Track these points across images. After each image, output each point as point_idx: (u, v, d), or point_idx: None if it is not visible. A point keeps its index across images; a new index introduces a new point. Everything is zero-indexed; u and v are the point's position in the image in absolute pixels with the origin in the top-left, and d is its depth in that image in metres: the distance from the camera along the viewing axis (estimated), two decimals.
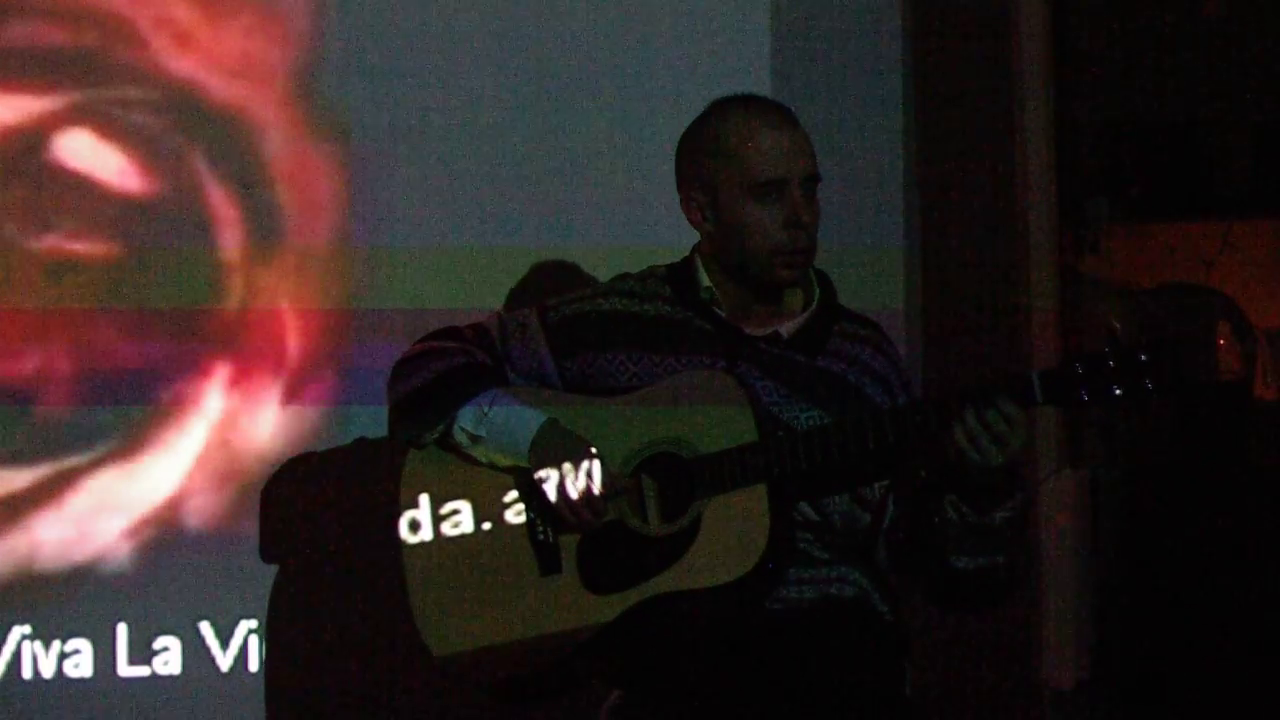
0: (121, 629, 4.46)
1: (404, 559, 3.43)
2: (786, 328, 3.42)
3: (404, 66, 4.54)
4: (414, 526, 3.44)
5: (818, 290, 3.46)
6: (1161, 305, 4.50)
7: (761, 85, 4.50)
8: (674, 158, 3.47)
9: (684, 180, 3.43)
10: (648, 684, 3.28)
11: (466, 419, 3.38)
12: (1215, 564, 4.18)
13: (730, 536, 3.26)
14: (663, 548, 3.29)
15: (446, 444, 3.42)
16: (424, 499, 3.44)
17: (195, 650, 4.48)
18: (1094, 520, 4.31)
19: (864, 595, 3.37)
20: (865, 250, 4.56)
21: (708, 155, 3.39)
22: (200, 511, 4.50)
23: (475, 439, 3.38)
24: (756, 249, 3.36)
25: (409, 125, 4.54)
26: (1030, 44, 4.67)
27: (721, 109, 3.43)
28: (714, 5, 4.62)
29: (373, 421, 4.37)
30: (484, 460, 3.39)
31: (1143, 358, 3.18)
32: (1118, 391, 3.19)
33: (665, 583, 3.26)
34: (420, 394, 3.42)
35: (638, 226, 4.48)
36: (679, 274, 3.47)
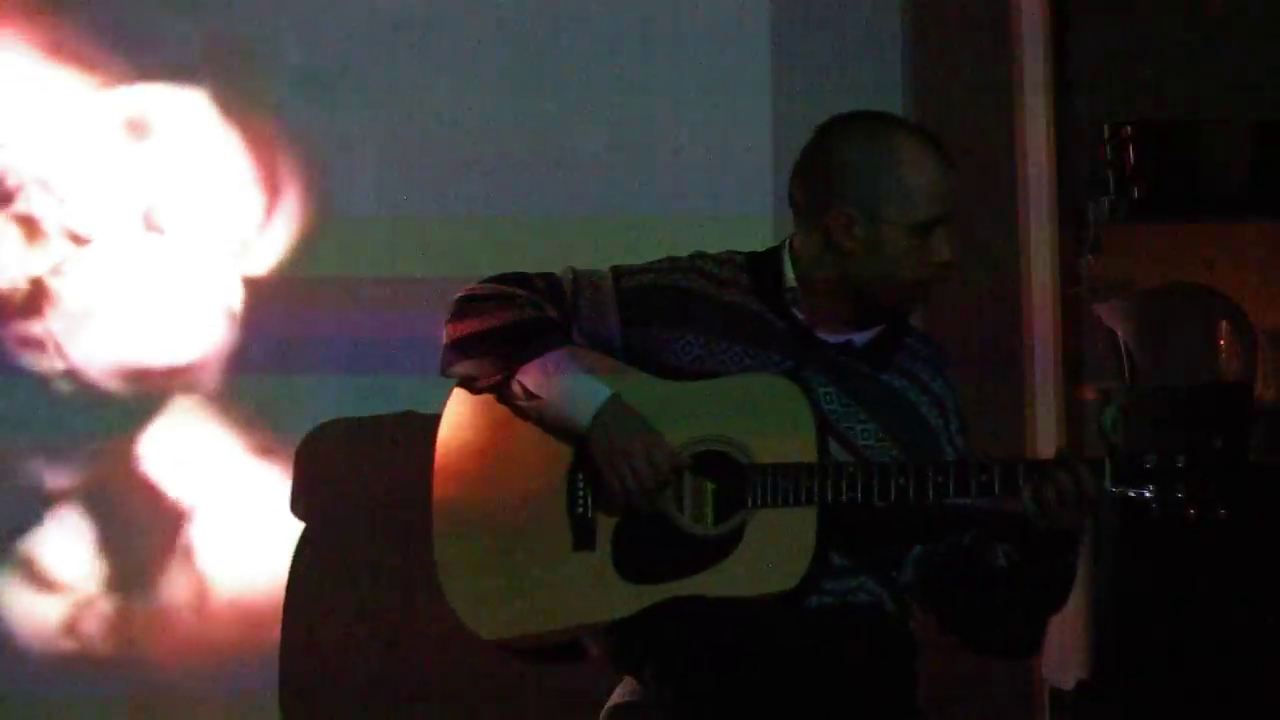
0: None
1: (435, 518, 3.37)
2: (861, 337, 3.40)
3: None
4: (448, 485, 3.40)
5: None
6: (1161, 305, 4.49)
7: (761, 85, 4.51)
8: (821, 158, 3.37)
9: (835, 191, 3.34)
10: (662, 679, 3.26)
11: (529, 376, 3.33)
12: (1215, 564, 4.18)
13: (773, 552, 3.24)
14: (702, 548, 3.26)
15: (500, 393, 3.38)
16: (461, 459, 3.39)
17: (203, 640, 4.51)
18: (1094, 520, 4.30)
19: (878, 602, 3.37)
20: None
21: (876, 176, 3.32)
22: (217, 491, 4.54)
23: (534, 397, 3.33)
24: (902, 281, 3.33)
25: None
26: (1030, 44, 4.67)
27: (892, 132, 3.37)
28: (714, 5, 4.62)
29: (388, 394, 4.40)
30: (534, 418, 3.35)
31: (1212, 463, 3.18)
32: (1180, 495, 3.20)
33: (699, 585, 3.24)
34: (484, 339, 3.35)
35: (636, 225, 4.49)
36: (760, 265, 3.42)
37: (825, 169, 3.37)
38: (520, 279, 3.42)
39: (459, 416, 3.40)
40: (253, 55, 4.58)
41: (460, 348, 3.37)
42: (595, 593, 3.27)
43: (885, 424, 3.34)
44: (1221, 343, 4.35)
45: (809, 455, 3.25)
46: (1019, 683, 4.62)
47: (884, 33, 4.67)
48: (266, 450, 4.52)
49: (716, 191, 4.42)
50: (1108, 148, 4.56)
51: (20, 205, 4.53)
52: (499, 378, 3.35)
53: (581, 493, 3.31)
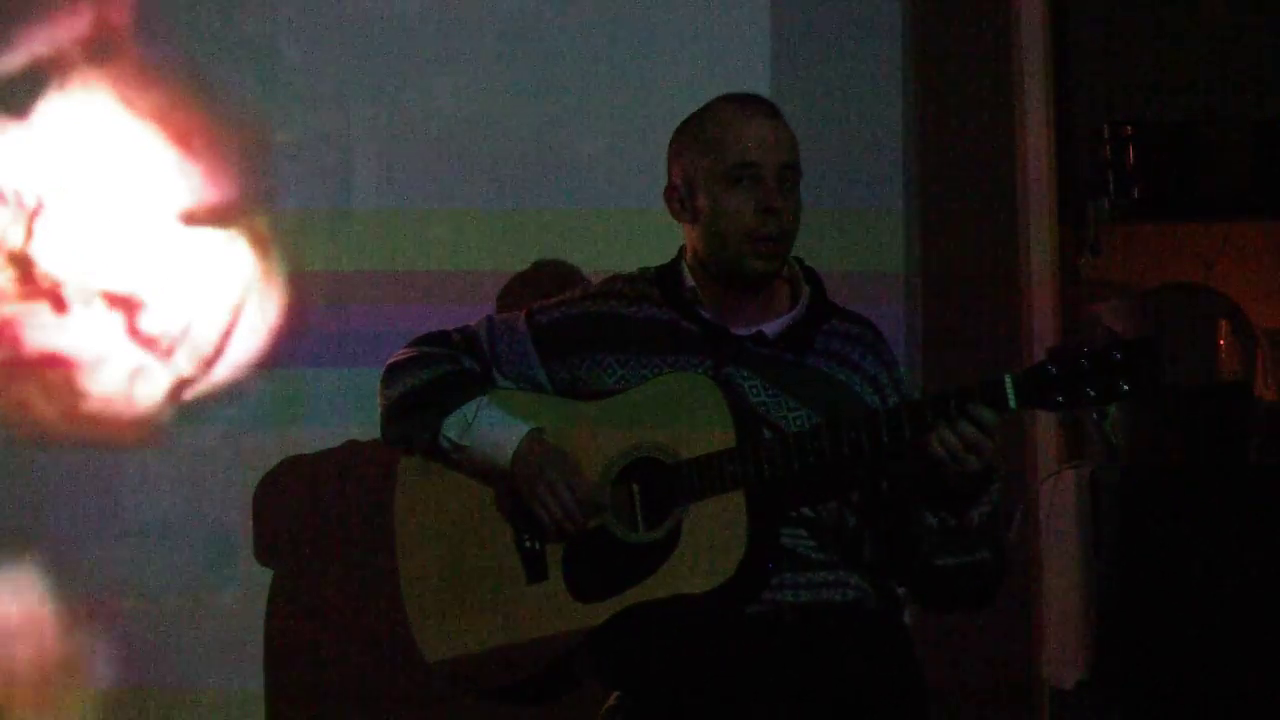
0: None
1: (400, 566, 3.43)
2: (771, 326, 3.42)
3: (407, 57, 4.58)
4: (408, 533, 3.43)
5: (807, 288, 3.46)
6: (1161, 305, 4.49)
7: (761, 85, 4.51)
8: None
9: (669, 175, 3.45)
10: (640, 687, 3.28)
11: (451, 428, 3.38)
12: (1215, 564, 4.18)
13: (709, 543, 3.26)
14: (645, 554, 3.29)
15: (433, 452, 3.41)
16: (418, 506, 3.44)
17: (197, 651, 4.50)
18: (1094, 520, 4.30)
19: (862, 599, 3.36)
20: (866, 259, 4.57)
21: (689, 147, 3.41)
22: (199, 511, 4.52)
23: (459, 448, 3.38)
24: (728, 235, 3.36)
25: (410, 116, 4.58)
26: (1030, 44, 4.67)
27: (708, 105, 3.45)
28: (714, 5, 4.62)
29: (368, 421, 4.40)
30: (467, 470, 3.39)
31: (1117, 356, 3.16)
32: (1091, 393, 3.17)
33: (646, 590, 3.27)
34: (406, 400, 3.42)
35: (636, 225, 4.49)
36: (666, 275, 3.47)
37: (666, 167, 3.46)
38: (438, 338, 3.49)
39: (413, 472, 3.46)
40: (253, 55, 4.58)
41: (390, 414, 3.45)
42: (554, 619, 3.31)
43: (817, 407, 3.35)
44: (1221, 343, 4.35)
45: (730, 443, 3.26)
46: (1019, 683, 4.62)
47: (884, 33, 4.67)
48: (260, 447, 4.51)
49: None
50: (1108, 148, 4.56)
51: (32, 248, 4.53)
52: (428, 437, 3.39)
53: (526, 528, 3.34)
